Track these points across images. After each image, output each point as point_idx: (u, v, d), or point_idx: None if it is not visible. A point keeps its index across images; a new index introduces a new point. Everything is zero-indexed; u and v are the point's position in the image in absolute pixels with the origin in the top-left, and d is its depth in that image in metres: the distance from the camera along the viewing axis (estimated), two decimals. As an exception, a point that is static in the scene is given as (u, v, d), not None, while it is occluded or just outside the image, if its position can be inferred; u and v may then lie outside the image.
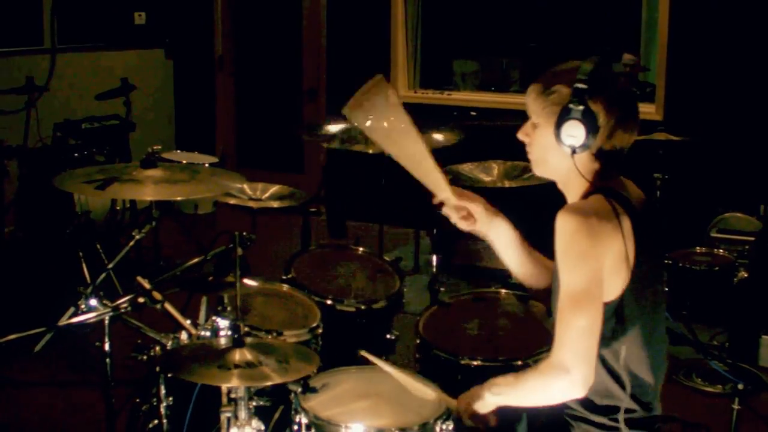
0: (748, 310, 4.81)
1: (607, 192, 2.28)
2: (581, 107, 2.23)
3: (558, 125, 2.26)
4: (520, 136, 2.43)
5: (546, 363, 2.22)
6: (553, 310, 2.43)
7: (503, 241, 2.61)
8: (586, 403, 2.35)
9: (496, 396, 2.35)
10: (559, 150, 2.29)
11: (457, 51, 8.04)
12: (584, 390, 2.18)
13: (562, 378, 2.16)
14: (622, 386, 2.29)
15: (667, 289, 2.55)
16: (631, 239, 2.22)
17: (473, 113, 6.61)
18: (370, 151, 4.23)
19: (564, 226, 2.20)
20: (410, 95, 7.30)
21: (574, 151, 2.26)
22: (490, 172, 4.26)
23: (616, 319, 2.25)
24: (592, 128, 2.23)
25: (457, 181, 4.19)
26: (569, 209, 2.24)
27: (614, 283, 2.22)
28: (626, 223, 2.23)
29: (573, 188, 2.37)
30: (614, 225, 2.21)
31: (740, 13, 5.91)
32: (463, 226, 2.60)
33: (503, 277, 3.84)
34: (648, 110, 6.28)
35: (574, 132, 2.24)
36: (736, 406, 3.29)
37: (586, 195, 2.32)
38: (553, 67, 2.39)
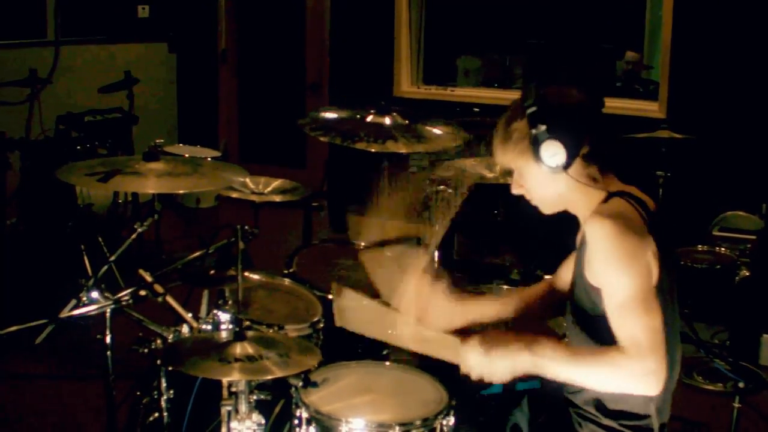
0: (749, 309, 4.81)
1: (624, 195, 2.28)
2: (543, 127, 2.22)
3: (535, 154, 2.24)
4: (515, 191, 2.43)
5: (625, 358, 2.12)
6: (568, 321, 2.42)
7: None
8: (599, 405, 2.34)
9: (541, 360, 2.21)
10: (552, 177, 2.29)
11: (460, 47, 8.04)
12: (660, 387, 2.13)
13: (647, 376, 2.11)
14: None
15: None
16: (655, 239, 2.22)
17: (476, 109, 6.61)
18: (373, 149, 4.22)
19: (604, 230, 2.17)
20: (413, 91, 7.30)
21: (566, 167, 2.25)
22: (493, 168, 4.25)
23: None
24: (564, 137, 2.22)
25: (461, 176, 4.18)
26: (603, 214, 2.21)
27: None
28: (649, 225, 2.23)
29: (585, 203, 2.34)
30: (644, 224, 2.22)
31: (744, 12, 5.90)
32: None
33: (505, 273, 3.85)
34: (651, 108, 6.28)
35: (553, 150, 2.22)
36: (736, 405, 3.29)
37: (603, 202, 2.31)
38: (498, 121, 2.39)
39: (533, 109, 2.24)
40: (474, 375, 2.27)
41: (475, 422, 2.62)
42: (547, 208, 2.41)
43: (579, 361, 2.19)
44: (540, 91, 2.27)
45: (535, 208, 2.44)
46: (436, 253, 3.93)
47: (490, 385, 2.31)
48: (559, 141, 2.21)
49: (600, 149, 2.30)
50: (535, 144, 2.24)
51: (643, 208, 2.27)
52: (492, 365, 2.23)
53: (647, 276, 2.17)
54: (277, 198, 4.10)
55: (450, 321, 2.60)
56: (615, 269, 2.17)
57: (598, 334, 2.25)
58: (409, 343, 2.47)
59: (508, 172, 4.28)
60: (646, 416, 2.32)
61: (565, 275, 2.56)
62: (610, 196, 2.30)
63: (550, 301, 2.67)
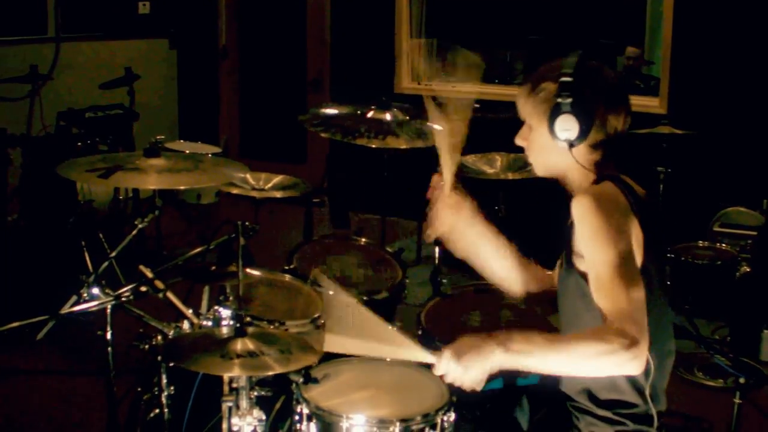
0: (750, 305, 4.81)
1: (614, 179, 2.28)
2: (569, 99, 2.23)
3: (551, 121, 2.26)
4: (518, 141, 2.44)
5: (606, 331, 2.06)
6: (560, 308, 2.42)
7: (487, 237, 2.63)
8: (591, 396, 2.35)
9: (516, 355, 2.13)
10: (556, 148, 2.31)
11: (460, 43, 8.02)
12: (642, 364, 2.05)
13: (628, 349, 2.02)
14: (629, 380, 2.28)
15: (669, 283, 2.55)
16: (641, 225, 2.22)
17: (476, 105, 6.60)
18: (374, 145, 4.23)
19: (587, 206, 2.17)
20: (414, 87, 7.29)
21: (572, 145, 2.26)
22: (494, 164, 4.25)
23: None
24: (583, 118, 2.24)
25: (461, 172, 4.18)
26: (587, 192, 2.22)
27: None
28: (636, 210, 2.23)
29: (577, 181, 2.36)
30: (630, 208, 2.21)
31: (745, 7, 5.89)
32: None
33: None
34: (652, 103, 6.27)
35: (567, 125, 2.24)
36: (737, 400, 3.29)
37: (593, 183, 2.32)
38: (539, 68, 2.40)
39: (568, 79, 2.25)
40: (448, 381, 2.24)
41: (475, 418, 2.61)
42: (540, 170, 2.43)
43: (556, 346, 2.12)
44: (582, 63, 2.28)
45: (537, 203, 2.45)
46: (437, 249, 3.94)
47: (489, 381, 2.31)
48: (576, 119, 2.23)
49: (611, 142, 2.31)
50: (554, 112, 2.26)
51: (631, 193, 2.26)
52: (466, 372, 2.18)
53: (630, 251, 2.15)
54: (278, 194, 4.10)
55: (469, 245, 2.62)
56: (599, 243, 2.15)
57: (585, 322, 2.26)
58: (387, 352, 2.46)
59: (511, 165, 4.28)
60: (639, 404, 2.31)
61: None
62: (600, 179, 2.31)
63: (552, 293, 2.67)
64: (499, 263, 2.65)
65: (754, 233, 5.26)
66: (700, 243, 5.12)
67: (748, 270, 4.88)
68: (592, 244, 2.17)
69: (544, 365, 2.14)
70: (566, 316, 2.41)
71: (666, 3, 6.19)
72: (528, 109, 2.38)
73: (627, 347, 2.03)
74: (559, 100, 2.25)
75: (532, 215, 4.19)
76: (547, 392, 2.47)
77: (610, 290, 2.12)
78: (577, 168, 2.33)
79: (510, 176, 4.19)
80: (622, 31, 8.00)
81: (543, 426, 2.58)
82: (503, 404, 2.64)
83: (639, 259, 2.20)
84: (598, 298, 2.15)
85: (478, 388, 2.21)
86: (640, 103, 6.40)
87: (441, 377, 2.27)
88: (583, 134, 2.25)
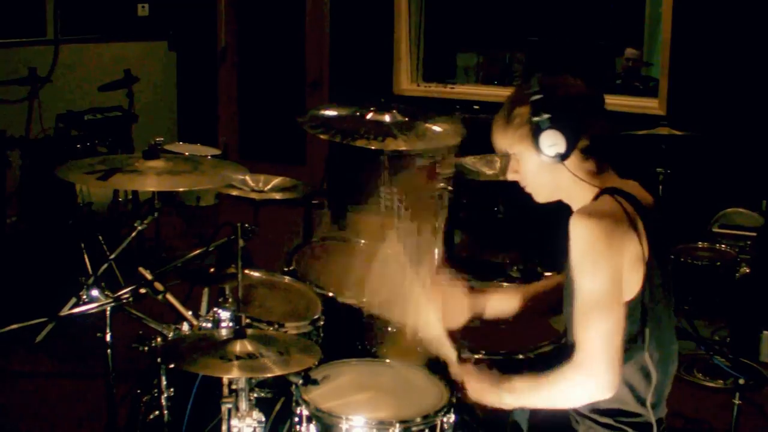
0: (749, 306, 4.81)
1: (614, 192, 2.28)
2: (546, 115, 2.23)
3: (535, 141, 2.25)
4: (510, 176, 2.43)
5: (571, 367, 2.20)
6: (565, 313, 2.43)
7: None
8: (592, 405, 2.35)
9: (514, 397, 2.34)
10: (548, 167, 2.30)
11: (460, 44, 8.04)
12: (611, 392, 2.18)
13: (590, 382, 2.17)
14: (631, 388, 2.29)
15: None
16: (644, 238, 2.22)
17: (476, 107, 6.61)
18: (373, 147, 4.22)
19: (579, 231, 2.19)
20: (413, 88, 7.29)
21: (563, 158, 2.25)
22: (493, 166, 4.25)
23: (635, 319, 2.24)
24: (564, 128, 2.23)
25: (460, 173, 4.18)
26: (583, 213, 2.22)
27: (632, 283, 2.22)
28: (638, 222, 2.23)
29: (578, 197, 2.35)
30: (628, 225, 2.21)
31: (744, 8, 5.89)
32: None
33: (505, 270, 3.85)
34: (651, 105, 6.28)
35: (552, 140, 2.24)
36: (737, 401, 3.30)
37: (593, 199, 2.32)
38: (504, 103, 2.40)
39: (538, 96, 2.25)
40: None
41: (474, 420, 2.61)
42: (541, 196, 2.42)
43: (537, 388, 2.29)
44: (546, 80, 2.28)
45: (535, 205, 2.44)
46: (436, 251, 3.94)
47: None
48: (559, 131, 2.22)
49: (599, 144, 2.31)
50: (535, 132, 2.25)
51: (635, 205, 2.26)
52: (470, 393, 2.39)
53: (610, 282, 2.17)
54: (278, 195, 4.09)
55: (462, 316, 2.68)
56: (582, 269, 2.18)
57: None
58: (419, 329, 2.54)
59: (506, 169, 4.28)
60: (641, 413, 2.32)
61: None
62: (601, 193, 2.30)
63: (553, 298, 2.68)
64: (508, 311, 2.75)
65: (754, 234, 5.26)
66: (700, 244, 5.11)
67: (747, 271, 4.87)
68: (579, 270, 2.20)
69: (536, 403, 2.35)
70: (569, 315, 2.42)
71: (665, 4, 6.19)
72: (508, 141, 2.36)
73: (585, 383, 2.18)
74: (536, 119, 2.25)
75: (530, 217, 4.19)
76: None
77: (586, 321, 2.18)
78: (575, 182, 2.32)
79: (509, 177, 4.19)
80: (621, 32, 8.00)
81: (543, 429, 2.58)
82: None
83: (638, 278, 2.22)
84: (575, 324, 2.22)
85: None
86: (639, 104, 6.41)
87: (440, 378, 2.31)
88: (570, 143, 2.23)
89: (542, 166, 2.30)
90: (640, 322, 2.24)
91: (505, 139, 2.37)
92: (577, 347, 2.19)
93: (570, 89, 2.30)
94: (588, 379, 2.17)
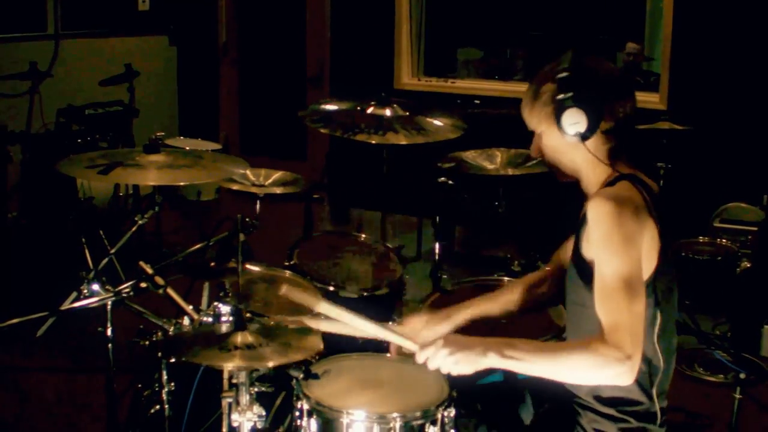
0: (750, 300, 4.81)
1: (631, 178, 2.29)
2: (570, 93, 2.24)
3: (558, 120, 2.26)
4: (534, 153, 2.45)
5: (600, 344, 2.10)
6: (567, 302, 2.43)
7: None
8: (595, 394, 2.35)
9: (508, 360, 2.19)
10: (570, 145, 2.31)
11: (461, 39, 8.03)
12: (632, 377, 2.11)
13: (621, 363, 2.07)
14: (636, 380, 2.28)
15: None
16: (658, 226, 2.23)
17: (477, 101, 6.61)
18: (373, 141, 4.23)
19: (604, 211, 2.17)
20: (414, 83, 7.29)
21: (584, 138, 2.25)
22: (494, 160, 4.25)
23: (649, 305, 2.22)
24: (588, 108, 2.23)
25: (461, 168, 4.18)
26: (605, 195, 2.22)
27: (646, 270, 2.22)
28: (653, 211, 2.24)
29: (595, 178, 2.36)
30: (647, 212, 2.22)
31: (745, 3, 5.89)
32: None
33: (506, 264, 3.84)
34: (652, 99, 6.27)
35: (575, 119, 2.24)
36: (737, 396, 3.29)
37: (609, 183, 2.31)
38: (534, 77, 2.41)
39: (565, 74, 2.26)
40: (431, 367, 2.28)
41: (475, 412, 2.61)
42: (561, 175, 2.43)
43: (548, 354, 2.18)
44: (577, 58, 2.29)
45: (537, 199, 2.45)
46: (437, 245, 3.95)
47: (489, 373, 2.32)
48: (582, 110, 2.23)
49: (622, 128, 2.32)
50: (559, 109, 2.25)
51: (648, 192, 2.27)
52: (455, 365, 2.24)
53: (638, 263, 2.17)
54: (278, 190, 4.10)
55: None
56: (608, 251, 2.16)
57: (593, 310, 2.25)
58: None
59: (512, 161, 4.29)
60: (644, 402, 2.32)
61: (564, 257, 2.57)
62: (618, 178, 2.30)
63: (550, 288, 2.68)
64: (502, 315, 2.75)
65: (755, 229, 5.26)
66: (701, 238, 5.11)
67: (748, 265, 4.88)
68: (602, 251, 2.18)
69: (535, 371, 2.20)
70: (572, 303, 2.42)
71: (666, -1, 6.19)
72: (533, 117, 2.38)
73: (621, 361, 2.08)
74: (560, 96, 2.25)
75: (532, 211, 4.19)
76: (549, 388, 2.47)
77: (612, 301, 2.13)
78: (594, 162, 2.33)
79: (510, 172, 4.19)
80: (622, 26, 7.99)
81: (545, 421, 2.58)
82: (504, 398, 2.65)
83: (653, 264, 2.21)
84: (599, 306, 2.17)
85: (467, 373, 2.24)
86: (640, 98, 6.32)
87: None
88: (592, 124, 2.24)
89: (564, 144, 2.31)
90: (652, 309, 2.24)
91: (531, 117, 2.38)
92: (606, 327, 2.11)
93: (599, 70, 2.32)
94: (620, 359, 2.07)
